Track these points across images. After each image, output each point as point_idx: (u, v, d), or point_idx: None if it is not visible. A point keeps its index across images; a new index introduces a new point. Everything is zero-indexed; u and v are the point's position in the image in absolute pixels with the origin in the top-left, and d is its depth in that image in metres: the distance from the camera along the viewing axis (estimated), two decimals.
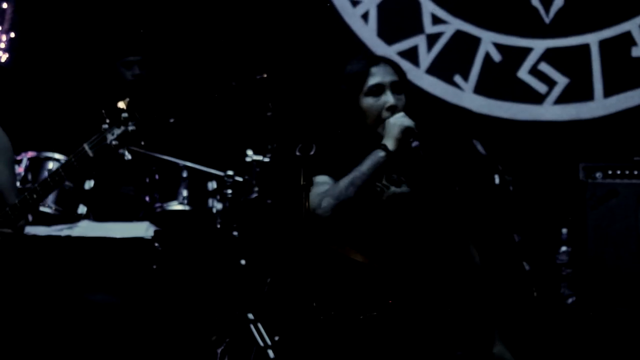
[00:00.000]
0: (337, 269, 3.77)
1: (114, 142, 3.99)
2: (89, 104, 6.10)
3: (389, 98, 3.77)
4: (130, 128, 4.01)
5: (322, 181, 3.75)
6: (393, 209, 3.76)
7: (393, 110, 3.75)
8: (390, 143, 3.68)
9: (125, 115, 3.99)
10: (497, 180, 6.00)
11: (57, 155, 5.89)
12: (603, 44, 6.67)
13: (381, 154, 3.66)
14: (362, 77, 3.80)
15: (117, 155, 4.10)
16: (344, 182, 3.66)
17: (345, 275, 3.74)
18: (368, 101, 3.78)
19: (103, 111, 4.02)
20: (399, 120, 3.69)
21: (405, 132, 3.68)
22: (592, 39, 6.69)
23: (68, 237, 5.54)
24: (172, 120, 6.44)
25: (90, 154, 4.02)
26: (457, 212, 3.88)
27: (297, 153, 3.62)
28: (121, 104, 4.01)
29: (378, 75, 3.79)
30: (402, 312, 3.70)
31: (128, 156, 4.09)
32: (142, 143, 5.85)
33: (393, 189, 3.78)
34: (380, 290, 3.68)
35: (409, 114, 3.79)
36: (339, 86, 3.85)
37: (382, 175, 3.75)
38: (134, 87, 6.29)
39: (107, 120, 4.00)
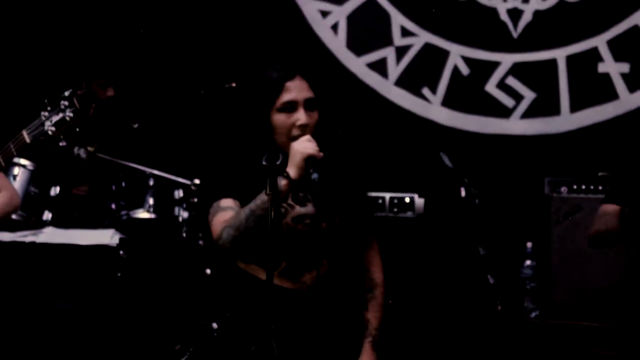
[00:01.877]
0: (241, 286, 3.77)
1: (51, 129, 3.97)
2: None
3: (300, 116, 3.64)
4: (68, 115, 3.97)
5: (226, 206, 3.66)
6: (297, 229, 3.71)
7: (304, 129, 3.63)
8: (292, 171, 3.54)
9: (65, 103, 3.97)
10: (463, 193, 6.01)
11: (23, 161, 5.86)
12: (570, 59, 6.71)
13: (283, 182, 3.53)
14: (276, 91, 3.67)
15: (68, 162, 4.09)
16: (245, 212, 3.56)
17: (248, 292, 3.73)
18: (279, 117, 3.66)
19: (46, 100, 4.01)
20: (302, 147, 3.55)
21: (308, 160, 3.54)
22: (560, 54, 6.74)
23: (32, 243, 5.51)
24: (136, 126, 6.42)
25: (27, 139, 4.01)
26: (359, 231, 3.82)
27: (264, 163, 3.60)
28: (65, 93, 4.00)
29: (293, 91, 3.66)
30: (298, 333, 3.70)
31: (83, 155, 4.09)
32: (93, 147, 5.80)
33: (298, 208, 3.71)
34: (281, 308, 3.66)
35: (376, 125, 3.77)
36: (250, 97, 3.76)
37: (286, 199, 3.66)
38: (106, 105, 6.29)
39: (48, 108, 3.99)
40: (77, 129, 4.71)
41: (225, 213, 3.63)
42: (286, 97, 3.64)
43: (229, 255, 3.70)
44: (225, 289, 3.84)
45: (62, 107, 3.95)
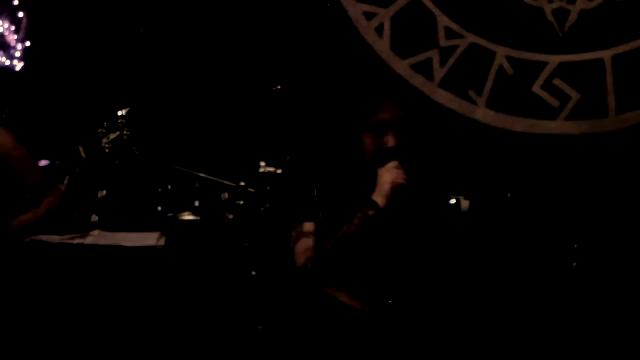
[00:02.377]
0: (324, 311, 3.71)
1: (107, 146, 4.04)
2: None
3: (389, 139, 3.60)
4: (125, 134, 4.04)
5: (308, 231, 3.62)
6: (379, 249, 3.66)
7: (391, 153, 3.58)
8: (380, 200, 3.52)
9: (122, 122, 4.03)
10: (509, 195, 6.01)
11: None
12: (617, 59, 6.66)
13: (370, 212, 3.50)
14: (368, 111, 3.62)
15: (111, 159, 4.14)
16: (330, 245, 3.52)
17: (330, 317, 3.68)
18: (368, 138, 3.62)
19: (103, 116, 4.07)
20: (392, 176, 3.52)
21: (397, 190, 3.52)
22: (606, 55, 6.69)
23: (80, 245, 5.57)
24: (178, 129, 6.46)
25: (83, 155, 4.07)
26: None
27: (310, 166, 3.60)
28: (121, 112, 4.05)
29: (385, 112, 3.63)
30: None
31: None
32: (136, 152, 5.86)
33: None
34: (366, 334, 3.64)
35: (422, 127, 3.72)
36: (343, 115, 3.71)
37: (372, 233, 3.57)
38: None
39: (105, 125, 4.05)
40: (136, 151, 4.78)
41: (308, 240, 3.59)
42: (377, 117, 3.61)
43: (311, 284, 3.64)
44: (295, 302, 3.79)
45: (120, 125, 4.02)
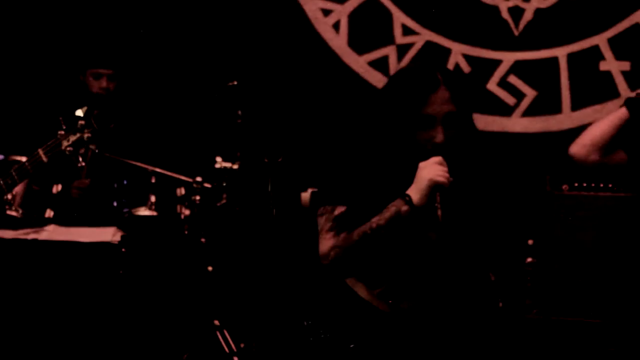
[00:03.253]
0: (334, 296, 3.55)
1: (68, 148, 4.00)
2: (50, 109, 6.09)
3: (437, 134, 3.32)
4: (86, 135, 4.00)
5: (338, 216, 3.38)
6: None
7: (437, 148, 3.30)
8: (416, 196, 3.26)
9: (82, 122, 3.98)
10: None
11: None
12: (571, 57, 6.72)
13: (404, 208, 3.27)
14: (415, 103, 3.31)
15: (71, 160, 4.10)
16: (358, 236, 3.30)
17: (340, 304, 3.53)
18: (417, 131, 3.32)
19: (60, 118, 4.02)
20: (432, 173, 3.26)
21: (435, 188, 3.26)
22: (561, 53, 6.74)
23: (34, 240, 5.52)
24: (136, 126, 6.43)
25: (44, 159, 4.04)
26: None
27: (265, 160, 3.57)
28: (79, 112, 4.01)
29: (434, 105, 3.31)
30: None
31: (81, 163, 4.10)
32: (96, 150, 5.82)
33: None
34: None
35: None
36: (387, 104, 3.37)
37: (404, 231, 3.32)
38: (98, 100, 6.24)
39: (64, 127, 4.00)
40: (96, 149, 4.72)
41: (337, 225, 3.34)
42: (426, 110, 3.31)
43: (331, 273, 3.45)
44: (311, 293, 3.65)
45: (79, 126, 3.97)
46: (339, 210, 3.38)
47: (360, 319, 3.46)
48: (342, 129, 6.54)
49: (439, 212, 3.30)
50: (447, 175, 3.28)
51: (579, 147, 4.69)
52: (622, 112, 4.74)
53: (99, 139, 4.20)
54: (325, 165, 3.52)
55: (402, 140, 3.32)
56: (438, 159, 3.28)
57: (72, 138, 3.99)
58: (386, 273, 3.43)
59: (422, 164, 3.27)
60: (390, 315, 3.51)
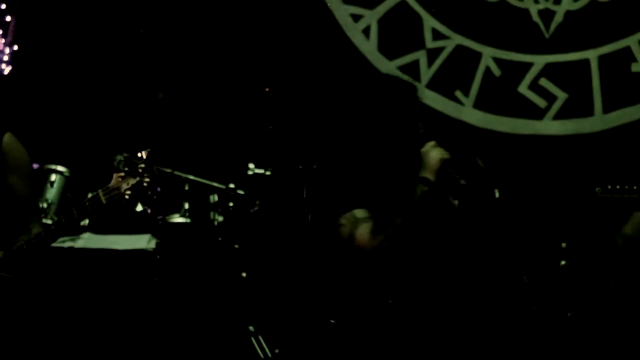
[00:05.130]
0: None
1: (127, 192, 4.02)
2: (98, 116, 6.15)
3: (421, 124, 3.87)
4: (146, 181, 4.02)
5: (364, 217, 3.74)
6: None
7: (425, 135, 3.82)
8: (430, 175, 3.73)
9: (142, 166, 4.00)
10: (497, 194, 6.02)
11: (59, 168, 5.95)
12: (602, 59, 6.70)
13: (425, 189, 3.71)
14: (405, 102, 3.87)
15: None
16: (399, 224, 3.68)
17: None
18: (404, 126, 3.83)
19: (123, 158, 4.03)
20: (436, 152, 3.76)
21: (445, 163, 3.77)
22: (592, 55, 6.73)
23: (71, 248, 5.57)
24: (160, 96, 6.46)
25: (104, 201, 4.06)
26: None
27: (300, 167, 3.66)
28: (141, 154, 4.02)
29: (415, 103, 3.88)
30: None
31: (139, 208, 4.13)
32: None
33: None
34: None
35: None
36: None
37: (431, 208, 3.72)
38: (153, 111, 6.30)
39: (125, 168, 4.01)
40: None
41: (368, 224, 3.71)
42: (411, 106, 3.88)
43: (373, 259, 3.72)
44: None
45: (140, 170, 3.98)
46: (361, 213, 3.74)
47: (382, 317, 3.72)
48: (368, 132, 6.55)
49: (461, 182, 3.86)
50: (447, 151, 3.77)
51: None
52: None
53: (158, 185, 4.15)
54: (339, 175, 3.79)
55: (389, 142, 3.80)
56: (433, 142, 3.78)
57: (132, 182, 3.99)
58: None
59: (424, 150, 3.75)
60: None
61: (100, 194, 4.06)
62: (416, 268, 3.77)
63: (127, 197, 4.01)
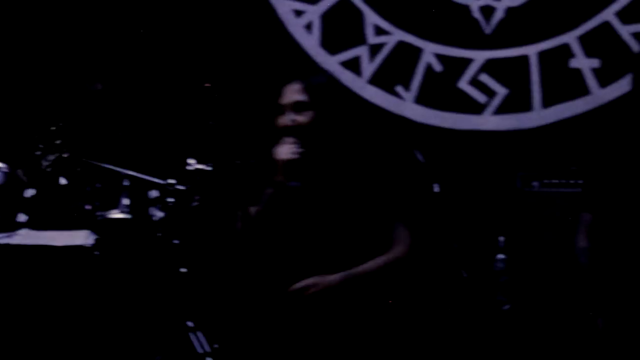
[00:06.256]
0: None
1: (48, 169, 4.01)
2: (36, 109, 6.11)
3: (284, 119, 3.81)
4: (65, 155, 4.01)
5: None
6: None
7: (289, 130, 3.78)
8: (278, 176, 3.74)
9: (58, 141, 4.00)
10: (436, 189, 6.06)
11: None
12: (542, 55, 6.77)
13: (269, 190, 3.73)
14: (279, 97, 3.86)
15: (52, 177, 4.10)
16: (242, 222, 3.80)
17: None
18: (278, 120, 3.84)
19: (36, 136, 4.03)
20: (282, 152, 3.74)
21: (287, 165, 3.72)
22: (531, 51, 6.79)
23: (6, 245, 5.54)
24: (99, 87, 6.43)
25: (25, 179, 4.05)
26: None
27: (238, 162, 3.70)
28: (54, 129, 4.02)
29: (284, 95, 3.83)
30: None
31: (64, 181, 4.11)
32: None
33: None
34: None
35: (349, 123, 3.84)
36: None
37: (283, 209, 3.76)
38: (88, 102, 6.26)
39: (41, 146, 4.00)
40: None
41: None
42: (280, 100, 3.83)
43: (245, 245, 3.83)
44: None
45: (57, 145, 3.98)
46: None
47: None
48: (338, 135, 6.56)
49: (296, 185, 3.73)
50: (296, 152, 3.70)
51: None
52: None
53: (72, 143, 4.19)
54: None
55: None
56: (289, 139, 3.75)
57: (51, 157, 3.98)
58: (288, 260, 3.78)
59: (275, 149, 3.74)
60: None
61: (20, 173, 4.06)
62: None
63: (48, 171, 4.01)
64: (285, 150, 3.72)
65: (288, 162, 3.70)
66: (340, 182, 3.82)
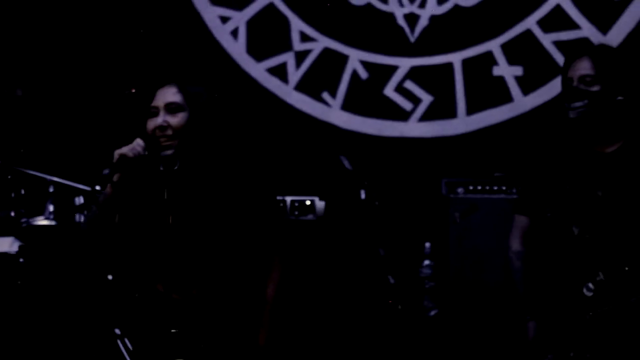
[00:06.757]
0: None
1: None
2: None
3: (158, 119, 3.75)
4: None
5: None
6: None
7: (163, 130, 3.73)
8: (113, 174, 3.68)
9: None
10: (362, 196, 6.10)
11: None
12: (466, 63, 6.85)
13: (108, 189, 3.71)
14: (147, 99, 3.84)
15: None
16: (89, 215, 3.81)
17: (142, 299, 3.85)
18: (148, 122, 3.80)
19: None
20: (121, 149, 3.69)
21: (121, 160, 3.66)
22: (456, 58, 6.87)
23: None
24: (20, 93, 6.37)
25: None
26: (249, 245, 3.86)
27: (161, 168, 3.66)
28: None
29: (157, 97, 3.81)
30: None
31: None
32: None
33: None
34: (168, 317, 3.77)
35: (276, 129, 3.83)
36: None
37: (116, 208, 3.76)
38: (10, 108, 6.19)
39: None
40: None
41: None
42: (152, 102, 3.79)
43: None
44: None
45: None
46: None
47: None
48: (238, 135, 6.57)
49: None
50: (134, 149, 3.67)
51: None
52: None
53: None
54: None
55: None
56: (137, 139, 3.72)
57: None
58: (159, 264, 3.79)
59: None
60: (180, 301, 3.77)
61: None
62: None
63: None
64: (126, 147, 3.68)
65: (122, 157, 3.65)
66: (208, 192, 3.81)
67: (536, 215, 4.04)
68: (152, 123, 3.74)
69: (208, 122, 3.80)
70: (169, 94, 3.79)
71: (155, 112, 3.76)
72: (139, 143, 3.68)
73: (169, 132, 3.71)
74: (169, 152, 3.70)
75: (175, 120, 3.74)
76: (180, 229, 3.75)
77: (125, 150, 3.65)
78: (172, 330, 3.71)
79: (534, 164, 4.06)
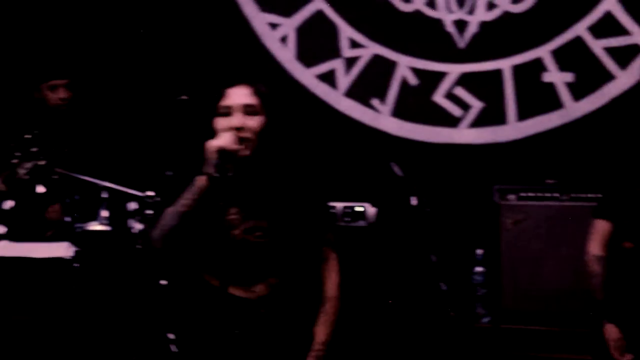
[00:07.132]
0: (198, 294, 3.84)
1: (25, 177, 4.00)
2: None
3: (235, 119, 3.72)
4: (41, 162, 4.00)
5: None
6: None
7: (239, 131, 3.68)
8: (209, 168, 3.60)
9: (34, 149, 3.98)
10: (414, 202, 6.10)
11: None
12: (516, 69, 6.84)
13: (202, 180, 3.61)
14: (217, 97, 3.80)
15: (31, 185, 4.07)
16: (170, 210, 3.67)
17: (204, 300, 3.80)
18: (219, 121, 3.75)
19: (12, 144, 4.01)
20: (217, 142, 3.61)
21: (222, 154, 3.59)
22: (505, 64, 6.86)
23: None
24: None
25: (3, 187, 4.04)
26: (311, 244, 3.85)
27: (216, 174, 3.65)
28: (28, 136, 4.01)
29: (231, 97, 3.77)
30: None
31: (41, 189, 4.11)
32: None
33: (250, 220, 3.77)
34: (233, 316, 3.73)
35: (327, 136, 3.82)
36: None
37: (211, 202, 3.64)
38: (58, 112, 6.21)
39: (17, 154, 3.99)
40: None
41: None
42: (224, 102, 3.74)
43: (162, 255, 3.76)
44: (183, 298, 3.88)
45: (33, 153, 3.96)
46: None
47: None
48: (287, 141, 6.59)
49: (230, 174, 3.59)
50: (233, 141, 3.61)
51: None
52: None
53: (51, 155, 4.17)
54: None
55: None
56: (228, 132, 3.65)
57: (28, 165, 3.98)
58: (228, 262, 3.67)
59: (206, 143, 3.62)
60: (244, 300, 3.77)
61: None
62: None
63: (26, 178, 3.99)
64: (223, 139, 3.61)
65: (224, 151, 3.59)
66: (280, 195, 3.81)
67: (620, 221, 4.02)
68: (226, 122, 3.70)
69: (280, 127, 3.80)
70: (245, 96, 3.77)
71: (227, 112, 3.74)
72: (230, 136, 3.64)
73: (247, 134, 3.69)
74: (247, 152, 3.68)
75: (253, 122, 3.72)
76: (243, 229, 3.75)
77: (222, 142, 3.60)
78: (236, 331, 3.72)
79: (621, 169, 4.04)
